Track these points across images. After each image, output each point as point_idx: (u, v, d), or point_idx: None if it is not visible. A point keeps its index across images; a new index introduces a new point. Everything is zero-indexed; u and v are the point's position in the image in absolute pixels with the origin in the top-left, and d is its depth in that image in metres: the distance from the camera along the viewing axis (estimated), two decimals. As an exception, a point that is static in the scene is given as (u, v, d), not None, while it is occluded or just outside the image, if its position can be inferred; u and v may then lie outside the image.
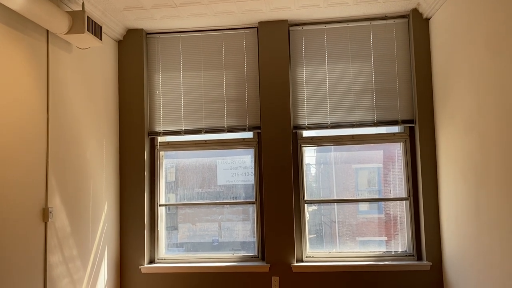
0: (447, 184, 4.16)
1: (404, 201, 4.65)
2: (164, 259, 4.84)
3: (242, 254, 4.79)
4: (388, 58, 4.67)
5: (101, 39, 3.85)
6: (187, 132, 4.87)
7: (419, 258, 4.53)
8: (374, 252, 4.66)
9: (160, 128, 4.90)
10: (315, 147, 4.85)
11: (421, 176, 4.45)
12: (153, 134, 4.90)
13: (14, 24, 3.22)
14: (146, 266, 4.67)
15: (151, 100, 4.93)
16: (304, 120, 4.74)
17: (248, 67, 4.83)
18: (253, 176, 4.84)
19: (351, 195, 4.85)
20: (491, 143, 3.25)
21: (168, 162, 5.05)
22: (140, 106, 4.83)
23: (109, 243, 4.52)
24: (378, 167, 4.87)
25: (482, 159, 3.40)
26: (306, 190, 4.76)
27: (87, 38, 3.71)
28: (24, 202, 3.28)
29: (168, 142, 4.97)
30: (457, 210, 3.92)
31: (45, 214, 3.49)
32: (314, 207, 4.82)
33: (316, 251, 4.72)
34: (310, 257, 4.66)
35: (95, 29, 3.75)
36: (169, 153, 5.03)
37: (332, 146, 4.85)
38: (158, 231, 4.85)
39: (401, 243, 4.68)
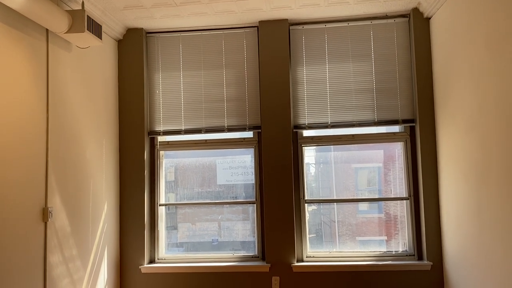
0: (447, 184, 4.16)
1: (404, 201, 4.64)
2: (164, 259, 4.82)
3: (242, 254, 4.78)
4: (388, 58, 4.66)
5: (101, 38, 3.83)
6: (187, 131, 4.85)
7: (420, 258, 4.52)
8: (374, 252, 4.65)
9: (160, 127, 4.89)
10: (315, 147, 4.84)
11: (422, 176, 4.44)
12: (153, 134, 4.89)
13: (14, 23, 3.21)
14: (146, 266, 4.66)
15: (151, 99, 4.91)
16: (304, 120, 4.73)
17: (248, 66, 4.82)
18: (253, 176, 4.83)
19: (352, 194, 4.84)
20: (492, 142, 3.24)
21: (167, 162, 5.04)
22: (140, 106, 4.81)
23: (109, 243, 4.51)
24: (378, 166, 4.86)
25: (483, 159, 3.40)
26: (307, 189, 4.75)
27: (87, 37, 3.70)
28: (24, 202, 3.27)
29: (168, 141, 4.95)
30: (458, 210, 3.92)
31: (45, 214, 3.48)
32: (313, 207, 4.81)
33: (316, 251, 4.71)
34: (310, 257, 4.66)
35: (95, 28, 3.74)
36: (168, 152, 5.02)
37: (333, 146, 4.84)
38: (158, 231, 4.84)
39: (401, 243, 4.67)
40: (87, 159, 4.15)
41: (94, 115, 4.32)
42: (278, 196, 4.60)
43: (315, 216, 4.82)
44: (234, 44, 4.85)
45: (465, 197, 3.75)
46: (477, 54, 3.47)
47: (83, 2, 3.72)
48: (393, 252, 4.63)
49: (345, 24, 4.72)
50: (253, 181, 4.83)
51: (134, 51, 4.85)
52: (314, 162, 4.92)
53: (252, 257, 4.74)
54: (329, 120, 4.69)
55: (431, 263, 4.37)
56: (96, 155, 4.32)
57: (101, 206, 4.39)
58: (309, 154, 4.88)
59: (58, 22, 3.42)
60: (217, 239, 4.93)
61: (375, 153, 4.93)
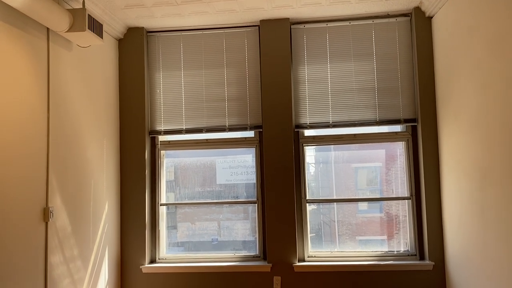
0: (450, 184, 4.14)
1: (406, 201, 4.62)
2: (165, 258, 4.81)
3: (243, 254, 4.76)
4: (390, 57, 4.64)
5: (102, 37, 3.81)
6: (188, 131, 4.84)
7: (422, 257, 4.51)
8: (376, 251, 4.64)
9: (161, 127, 4.87)
10: (316, 146, 4.82)
11: (424, 175, 4.43)
12: (154, 133, 4.87)
13: (15, 22, 3.19)
14: (147, 266, 4.64)
15: (152, 98, 4.89)
16: (306, 119, 4.71)
17: (250, 65, 4.80)
18: (254, 175, 4.81)
19: (353, 194, 4.83)
20: (496, 141, 3.22)
21: (167, 161, 5.02)
22: (141, 105, 4.80)
23: (109, 243, 4.49)
24: (380, 166, 4.84)
25: (486, 158, 3.38)
26: (308, 189, 4.74)
27: (88, 36, 3.68)
28: (25, 202, 3.25)
29: (169, 141, 4.93)
30: (460, 210, 3.90)
31: (46, 214, 3.46)
32: (313, 206, 4.79)
33: (318, 251, 4.70)
34: (312, 256, 4.64)
35: (96, 27, 3.72)
36: (167, 152, 4.99)
37: (334, 145, 4.82)
38: (159, 230, 4.83)
39: (403, 243, 4.66)
40: (88, 159, 4.14)
41: (95, 114, 4.31)
42: (280, 196, 4.59)
43: (315, 215, 4.80)
44: (235, 43, 4.84)
45: (468, 197, 3.74)
46: (480, 53, 3.45)
47: (83, 1, 3.70)
48: (395, 252, 4.62)
49: (346, 23, 4.71)
50: (254, 181, 4.81)
51: (135, 50, 4.83)
52: (315, 162, 4.91)
53: (254, 257, 4.73)
54: (330, 119, 4.68)
55: (433, 263, 4.36)
56: (97, 154, 4.31)
57: (102, 206, 4.37)
58: (311, 154, 4.86)
59: (59, 21, 3.40)
60: (217, 239, 4.92)
61: (377, 153, 4.92)
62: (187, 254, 4.87)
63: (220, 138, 4.87)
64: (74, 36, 3.66)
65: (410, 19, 4.62)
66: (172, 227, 4.98)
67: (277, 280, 4.53)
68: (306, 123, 4.71)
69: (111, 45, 4.69)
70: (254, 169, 4.83)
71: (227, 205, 4.91)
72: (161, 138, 4.92)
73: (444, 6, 4.14)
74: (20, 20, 3.24)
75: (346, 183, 4.85)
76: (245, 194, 4.86)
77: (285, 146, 4.63)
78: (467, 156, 3.73)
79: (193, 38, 4.89)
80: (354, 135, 4.71)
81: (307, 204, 4.71)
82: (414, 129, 4.62)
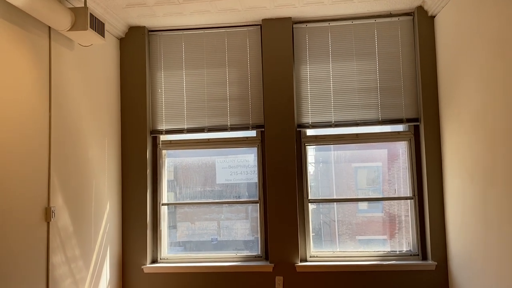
0: (453, 183, 4.13)
1: (408, 200, 4.61)
2: (167, 258, 4.79)
3: (245, 254, 4.75)
4: (392, 56, 4.63)
5: (103, 36, 3.79)
6: (190, 130, 4.82)
7: (424, 257, 4.49)
8: (378, 251, 4.62)
9: (162, 126, 4.85)
10: (318, 146, 4.80)
11: (426, 175, 4.41)
12: (155, 133, 4.85)
13: (16, 21, 3.17)
14: (148, 266, 4.63)
15: (153, 98, 4.87)
16: (308, 119, 4.69)
17: (251, 65, 4.79)
18: (255, 175, 4.80)
19: (355, 194, 4.81)
20: (500, 141, 3.21)
21: (167, 161, 4.99)
22: (142, 104, 4.78)
23: (111, 243, 4.48)
24: (382, 166, 4.83)
25: (490, 158, 3.37)
26: (310, 189, 4.72)
27: (90, 35, 3.66)
28: (27, 202, 3.23)
29: (171, 140, 4.91)
30: (463, 210, 3.89)
31: (48, 213, 3.44)
32: (313, 206, 4.76)
33: (320, 251, 4.68)
34: (314, 256, 4.63)
35: (98, 26, 3.70)
36: (168, 151, 4.97)
37: (336, 145, 4.80)
38: (160, 230, 4.81)
39: (405, 243, 4.64)
40: (89, 158, 4.12)
41: (96, 114, 4.29)
42: (282, 196, 4.57)
43: (315, 215, 4.78)
44: (237, 43, 4.82)
45: (471, 197, 3.72)
46: (483, 52, 3.43)
47: (85, 0, 3.68)
48: (397, 252, 4.61)
49: (349, 22, 4.69)
50: (254, 180, 4.80)
51: (136, 49, 4.81)
52: (317, 162, 4.89)
53: (255, 257, 4.71)
54: (332, 119, 4.66)
55: (436, 263, 4.35)
56: (98, 154, 4.29)
57: (104, 205, 4.36)
58: (313, 153, 4.84)
59: (60, 20, 3.38)
60: (216, 238, 4.90)
61: (379, 152, 4.90)
62: (189, 254, 4.86)
63: (222, 137, 4.85)
64: (76, 35, 3.64)
65: (413, 18, 4.60)
66: (172, 226, 4.96)
67: (279, 280, 4.51)
68: (308, 123, 4.69)
69: (112, 44, 4.67)
70: (254, 169, 4.81)
71: (227, 204, 4.89)
72: (163, 137, 4.90)
73: (447, 5, 4.13)
74: (21, 18, 3.22)
75: (348, 183, 4.84)
76: (246, 194, 4.85)
77: (287, 146, 4.61)
78: (470, 156, 3.72)
79: (194, 37, 4.87)
80: (356, 134, 4.69)
81: (309, 203, 4.70)
82: (416, 129, 4.61)
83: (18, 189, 3.14)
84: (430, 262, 4.37)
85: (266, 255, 4.68)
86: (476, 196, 3.62)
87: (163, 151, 4.91)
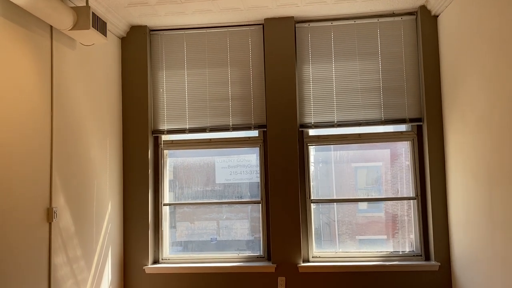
0: (456, 183, 4.11)
1: (411, 201, 4.59)
2: (168, 259, 4.77)
3: (247, 254, 4.73)
4: (395, 56, 4.61)
5: (105, 36, 3.77)
6: (192, 130, 4.79)
7: (427, 258, 4.47)
8: (381, 252, 4.60)
9: (164, 126, 4.83)
10: (320, 146, 4.78)
11: (429, 175, 4.39)
12: (157, 133, 4.83)
13: (18, 20, 3.15)
14: (150, 267, 4.60)
15: (155, 98, 4.85)
16: (310, 119, 4.67)
17: (254, 64, 4.76)
18: (257, 175, 4.78)
19: (358, 194, 4.79)
20: (506, 140, 3.19)
21: (168, 161, 4.97)
22: (144, 104, 4.76)
23: (113, 243, 4.45)
24: (384, 166, 4.81)
25: (495, 157, 3.35)
26: (312, 189, 4.70)
27: (92, 35, 3.64)
28: (29, 202, 3.21)
29: (172, 140, 4.89)
30: (468, 210, 3.87)
31: (50, 214, 3.42)
32: (313, 206, 4.73)
33: (322, 251, 4.66)
34: (316, 257, 4.61)
35: (100, 26, 3.68)
36: (168, 151, 4.95)
37: (338, 145, 4.78)
38: (162, 231, 4.78)
39: (408, 243, 4.62)
40: (91, 158, 4.09)
41: (98, 113, 4.27)
42: (284, 196, 4.55)
43: (315, 215, 4.75)
44: (239, 42, 4.80)
45: (476, 197, 3.70)
46: (487, 52, 3.41)
47: (87, -1, 3.67)
48: (400, 253, 4.59)
49: (351, 22, 4.67)
50: (255, 180, 4.78)
51: (138, 49, 4.79)
52: (319, 162, 4.87)
53: (258, 257, 4.69)
54: (335, 119, 4.64)
55: (439, 264, 4.33)
56: (100, 154, 4.27)
57: (105, 206, 4.33)
58: (315, 153, 4.82)
59: (63, 19, 3.36)
60: (216, 238, 4.88)
61: (381, 153, 4.88)
62: (191, 255, 4.83)
63: (224, 137, 4.83)
64: (78, 34, 3.62)
65: (416, 18, 4.58)
66: (172, 226, 4.94)
67: (281, 280, 4.49)
68: (311, 123, 4.67)
69: (114, 43, 4.65)
70: (255, 169, 4.79)
71: (227, 204, 4.86)
72: (164, 137, 4.88)
73: (450, 5, 4.11)
74: (23, 18, 3.20)
75: (350, 183, 4.82)
76: (248, 194, 4.83)
77: (290, 146, 4.59)
78: (474, 156, 3.70)
79: (196, 37, 4.84)
80: (359, 134, 4.67)
81: (312, 204, 4.68)
82: (419, 129, 4.59)
83: (20, 189, 3.12)
84: (433, 262, 4.35)
85: (268, 255, 4.66)
86: (481, 196, 3.60)
87: (164, 151, 4.89)
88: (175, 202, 4.91)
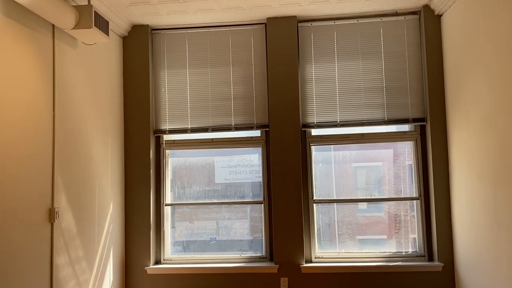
0: (460, 184, 4.09)
1: (414, 201, 4.57)
2: (170, 260, 4.74)
3: (249, 255, 4.70)
4: (398, 55, 4.58)
5: (108, 35, 3.75)
6: (194, 130, 4.77)
7: (430, 259, 4.45)
8: (384, 252, 4.58)
9: (165, 126, 4.80)
10: (323, 146, 4.76)
11: (433, 176, 4.37)
12: (159, 132, 4.80)
13: (20, 19, 3.12)
14: (151, 267, 4.58)
15: (157, 97, 4.82)
16: (313, 118, 4.65)
17: (256, 64, 4.74)
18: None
19: (360, 195, 4.77)
20: (511, 141, 3.17)
21: (170, 161, 4.94)
22: (146, 104, 4.73)
23: (114, 244, 4.43)
24: (387, 166, 4.79)
25: (500, 157, 3.32)
26: (315, 189, 4.68)
27: (94, 34, 3.61)
28: (31, 202, 3.18)
29: (174, 140, 4.86)
30: (472, 211, 3.85)
31: (52, 214, 3.39)
32: (316, 206, 4.71)
33: (325, 252, 4.64)
34: (319, 257, 4.58)
35: (102, 25, 3.65)
36: (169, 151, 4.92)
37: (341, 145, 4.76)
38: (164, 231, 4.76)
39: (411, 244, 4.60)
40: (93, 158, 4.07)
41: (100, 113, 4.24)
42: (287, 196, 4.53)
43: (321, 215, 4.73)
44: (241, 41, 4.77)
45: (480, 198, 3.68)
46: (493, 51, 3.39)
47: (89, -3, 3.64)
48: (403, 253, 4.57)
49: (354, 21, 4.65)
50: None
51: (140, 48, 4.76)
52: (322, 161, 4.84)
53: (260, 258, 4.67)
54: (338, 118, 4.62)
55: (442, 264, 4.31)
56: (102, 154, 4.24)
57: (107, 206, 4.30)
58: (317, 153, 4.79)
59: (65, 18, 3.33)
60: (215, 238, 4.85)
61: (384, 153, 4.86)
62: (192, 255, 4.81)
63: (226, 137, 4.81)
64: (80, 33, 3.59)
65: (419, 17, 4.56)
66: (171, 226, 4.90)
67: (284, 281, 4.47)
68: (313, 122, 4.65)
69: (115, 43, 4.62)
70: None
71: (227, 204, 4.84)
72: (166, 137, 4.85)
73: (454, 4, 4.09)
74: (26, 17, 3.17)
75: (352, 184, 4.80)
76: (250, 194, 4.80)
77: (292, 146, 4.57)
78: (479, 156, 3.68)
79: (198, 36, 4.82)
80: (362, 134, 4.65)
81: (314, 204, 4.65)
82: (422, 129, 4.57)
83: (22, 190, 3.09)
84: (436, 263, 4.33)
85: (270, 256, 4.64)
86: (486, 196, 3.58)
87: (166, 151, 4.86)
88: (177, 202, 4.88)
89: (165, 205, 4.80)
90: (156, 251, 4.73)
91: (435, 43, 4.44)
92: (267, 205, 4.68)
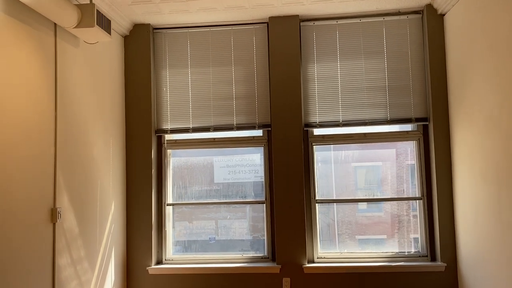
0: (464, 184, 4.07)
1: (417, 201, 4.56)
2: (172, 260, 4.72)
3: (251, 255, 4.68)
4: (401, 55, 4.57)
5: (110, 34, 3.72)
6: (195, 130, 4.75)
7: (433, 259, 4.44)
8: (386, 252, 4.57)
9: (167, 125, 4.78)
10: (325, 145, 4.74)
11: (436, 176, 4.36)
12: (160, 132, 4.78)
13: (23, 17, 3.09)
14: (153, 267, 4.56)
15: (158, 97, 4.80)
16: (315, 118, 4.63)
17: (258, 63, 4.72)
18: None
19: (363, 194, 4.75)
20: (515, 141, 3.16)
21: (172, 161, 4.92)
22: (147, 103, 4.70)
23: (116, 244, 4.41)
24: (390, 166, 4.77)
25: (504, 157, 3.31)
26: (317, 189, 4.66)
27: (96, 33, 3.58)
28: (33, 202, 3.16)
29: (176, 140, 4.84)
30: (476, 211, 3.83)
31: (54, 214, 3.37)
32: (318, 206, 4.69)
33: (327, 252, 4.62)
34: (321, 257, 4.57)
35: (104, 23, 3.63)
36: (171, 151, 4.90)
37: (343, 145, 4.74)
38: (165, 231, 4.74)
39: (411, 244, 4.59)
40: (95, 158, 4.04)
41: (101, 113, 4.21)
42: (289, 196, 4.51)
43: (322, 215, 4.71)
44: (243, 41, 4.75)
45: (484, 198, 3.67)
46: (496, 50, 3.38)
47: (91, -4, 3.62)
48: (406, 253, 4.55)
49: (357, 20, 4.63)
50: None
51: (141, 47, 4.73)
52: (324, 161, 4.82)
53: (262, 258, 4.65)
54: (340, 118, 4.60)
55: (445, 264, 4.30)
56: (103, 153, 4.21)
57: (108, 206, 4.28)
58: (319, 153, 4.77)
59: (67, 17, 3.30)
60: (214, 238, 4.84)
61: (387, 152, 4.84)
62: (194, 255, 4.79)
63: (228, 137, 4.79)
64: (82, 32, 3.57)
65: (422, 17, 4.55)
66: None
67: (286, 281, 4.45)
68: (316, 122, 4.63)
69: (117, 42, 4.60)
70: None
71: (228, 204, 4.82)
72: (168, 137, 4.83)
73: (458, 3, 4.07)
74: (27, 15, 3.14)
75: (354, 184, 4.78)
76: (252, 194, 4.78)
77: (294, 145, 4.55)
78: (483, 156, 3.66)
79: (200, 35, 4.80)
80: (365, 134, 4.64)
81: (317, 204, 4.64)
82: (425, 128, 4.55)
83: (24, 189, 3.07)
84: (439, 263, 4.31)
85: (272, 256, 4.62)
86: (490, 197, 3.56)
87: (168, 150, 4.84)
88: (179, 202, 4.86)
89: (167, 205, 4.78)
90: (158, 251, 4.71)
91: (438, 42, 4.43)
92: (269, 205, 4.66)
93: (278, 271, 4.46)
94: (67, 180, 3.59)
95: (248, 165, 4.86)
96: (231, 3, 4.30)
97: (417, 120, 4.52)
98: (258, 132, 4.76)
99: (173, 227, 4.86)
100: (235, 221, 4.84)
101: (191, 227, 4.88)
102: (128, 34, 4.74)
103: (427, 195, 4.49)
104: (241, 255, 4.69)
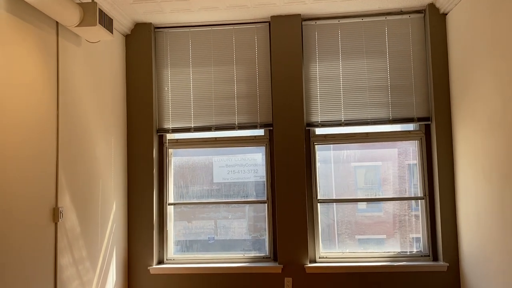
0: (466, 183, 4.07)
1: (419, 200, 4.55)
2: (173, 259, 4.71)
3: (253, 255, 4.67)
4: (403, 54, 4.56)
5: (112, 33, 3.71)
6: (197, 129, 4.74)
7: (435, 258, 4.43)
8: (389, 252, 4.56)
9: (169, 125, 4.76)
10: (327, 145, 4.73)
11: (438, 175, 4.35)
12: (162, 131, 4.77)
13: (25, 16, 3.08)
14: (154, 267, 4.55)
15: (160, 96, 4.79)
16: (317, 118, 4.62)
17: (260, 62, 4.71)
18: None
19: (365, 194, 4.75)
20: (519, 141, 3.15)
21: (173, 160, 4.91)
22: (149, 103, 4.69)
23: (117, 244, 4.39)
24: (392, 165, 4.76)
25: (507, 157, 3.30)
26: (319, 189, 4.65)
27: (98, 31, 3.57)
28: (35, 202, 3.15)
29: (177, 139, 4.83)
30: (479, 211, 3.82)
31: (55, 214, 3.35)
32: (320, 206, 4.68)
33: (329, 251, 4.61)
34: (323, 257, 4.56)
35: (106, 22, 3.62)
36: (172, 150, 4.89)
37: (345, 144, 4.74)
38: (167, 230, 4.72)
39: (412, 243, 4.58)
40: (96, 157, 4.03)
41: (103, 112, 4.20)
42: (291, 196, 4.50)
43: (323, 215, 4.70)
44: (245, 40, 4.74)
45: (487, 197, 3.66)
46: (499, 50, 3.37)
47: (93, -5, 3.60)
48: (408, 253, 4.55)
49: (359, 19, 4.62)
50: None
51: (143, 46, 4.72)
52: (325, 161, 4.81)
53: (263, 257, 4.64)
54: (342, 117, 4.59)
55: (447, 264, 4.29)
56: (105, 153, 4.20)
57: (110, 205, 4.27)
58: (321, 152, 4.76)
59: (69, 15, 3.29)
60: (213, 237, 4.82)
61: (389, 152, 4.84)
62: (196, 255, 4.78)
63: (229, 136, 4.77)
64: (84, 31, 3.56)
65: (424, 16, 4.54)
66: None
67: (288, 281, 4.44)
68: (318, 122, 4.62)
69: (118, 41, 4.58)
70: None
71: (229, 204, 4.81)
72: (169, 136, 4.82)
73: (460, 2, 4.06)
74: (30, 14, 3.13)
75: (355, 183, 4.77)
76: (254, 194, 4.77)
77: (296, 145, 4.54)
78: (486, 155, 3.65)
79: (202, 34, 4.78)
80: (367, 133, 4.63)
81: (318, 204, 4.62)
82: (427, 128, 4.54)
83: (26, 189, 3.05)
84: (441, 263, 4.31)
85: (274, 256, 4.61)
86: (493, 196, 3.56)
87: (169, 150, 4.83)
88: (180, 202, 4.84)
89: (168, 205, 4.76)
90: (159, 251, 4.69)
91: (440, 42, 4.42)
92: (271, 205, 4.65)
93: (280, 271, 4.45)
94: (69, 179, 3.58)
95: (248, 165, 4.84)
96: (233, 2, 4.29)
97: (419, 119, 4.51)
98: (260, 132, 4.75)
99: (174, 226, 4.84)
100: (234, 221, 4.83)
101: (190, 227, 4.87)
102: (130, 33, 4.73)
103: (429, 195, 4.48)
104: (242, 255, 4.68)
